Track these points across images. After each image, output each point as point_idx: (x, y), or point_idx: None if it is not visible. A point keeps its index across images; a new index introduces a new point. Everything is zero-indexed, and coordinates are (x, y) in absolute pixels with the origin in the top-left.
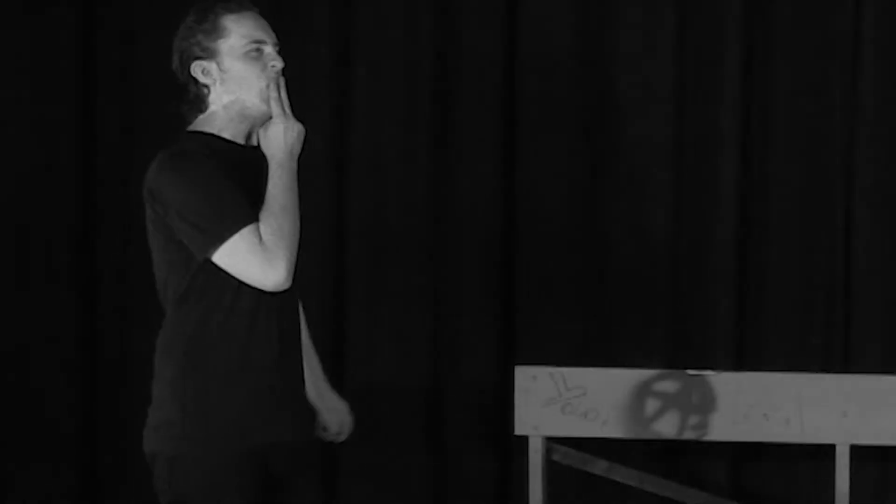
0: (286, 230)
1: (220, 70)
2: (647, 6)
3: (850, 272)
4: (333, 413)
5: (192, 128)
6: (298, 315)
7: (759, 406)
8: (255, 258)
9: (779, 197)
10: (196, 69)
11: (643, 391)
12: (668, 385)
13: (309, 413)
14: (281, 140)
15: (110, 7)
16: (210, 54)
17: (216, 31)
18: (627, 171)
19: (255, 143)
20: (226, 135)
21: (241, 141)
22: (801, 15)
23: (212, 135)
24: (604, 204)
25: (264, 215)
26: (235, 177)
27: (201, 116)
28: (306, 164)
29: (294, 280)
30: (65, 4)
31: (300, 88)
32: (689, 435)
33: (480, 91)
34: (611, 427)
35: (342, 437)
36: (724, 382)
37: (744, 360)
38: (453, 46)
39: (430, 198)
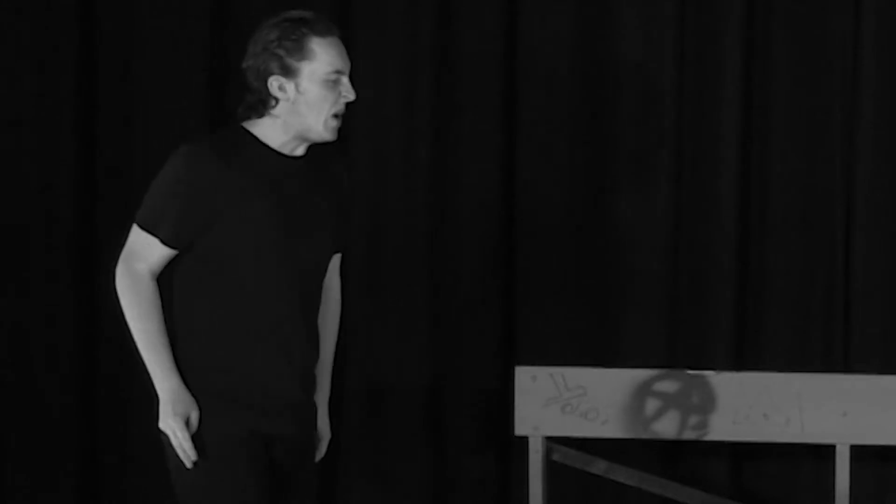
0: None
1: (298, 91)
2: (647, 6)
3: (850, 272)
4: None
5: (245, 125)
6: (302, 320)
7: (759, 406)
8: (128, 251)
9: (779, 196)
10: (273, 84)
11: (643, 391)
12: (668, 385)
13: (310, 410)
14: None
15: (110, 7)
16: (291, 73)
17: (301, 52)
18: (627, 170)
19: (298, 154)
20: (273, 144)
21: (286, 152)
22: (801, 15)
23: (256, 138)
24: (604, 203)
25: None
26: (269, 184)
27: (258, 119)
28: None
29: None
30: (65, 4)
31: None
32: (689, 435)
33: (480, 91)
34: (611, 427)
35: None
36: (724, 382)
37: (744, 360)
38: (453, 46)
39: (430, 198)
